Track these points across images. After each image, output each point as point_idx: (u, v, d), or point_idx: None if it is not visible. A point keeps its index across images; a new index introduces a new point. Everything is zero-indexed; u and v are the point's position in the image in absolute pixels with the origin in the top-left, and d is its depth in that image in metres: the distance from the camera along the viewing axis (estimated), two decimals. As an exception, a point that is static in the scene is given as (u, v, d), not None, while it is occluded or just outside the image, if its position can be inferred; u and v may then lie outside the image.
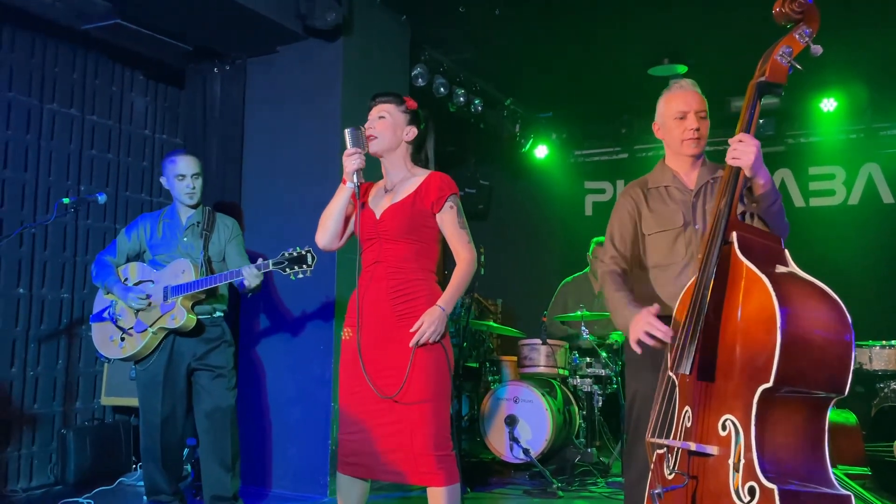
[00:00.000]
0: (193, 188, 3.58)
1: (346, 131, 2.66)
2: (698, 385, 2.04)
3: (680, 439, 2.06)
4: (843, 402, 4.68)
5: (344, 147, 2.68)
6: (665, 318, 2.23)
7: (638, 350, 2.28)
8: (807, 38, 2.17)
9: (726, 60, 4.79)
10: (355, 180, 2.65)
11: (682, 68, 5.67)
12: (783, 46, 2.18)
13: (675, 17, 4.93)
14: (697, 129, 2.55)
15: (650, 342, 2.22)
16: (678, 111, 2.57)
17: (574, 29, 5.21)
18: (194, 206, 3.64)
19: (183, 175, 3.56)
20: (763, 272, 1.92)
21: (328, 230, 2.76)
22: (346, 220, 2.78)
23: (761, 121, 6.43)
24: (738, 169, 2.18)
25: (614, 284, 2.55)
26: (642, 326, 2.22)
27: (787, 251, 2.12)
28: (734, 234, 2.05)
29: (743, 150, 2.15)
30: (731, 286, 2.00)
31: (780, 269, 2.03)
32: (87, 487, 4.27)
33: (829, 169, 6.85)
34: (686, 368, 2.03)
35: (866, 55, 5.45)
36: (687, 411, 2.07)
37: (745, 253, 2.00)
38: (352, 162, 2.64)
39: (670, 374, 2.14)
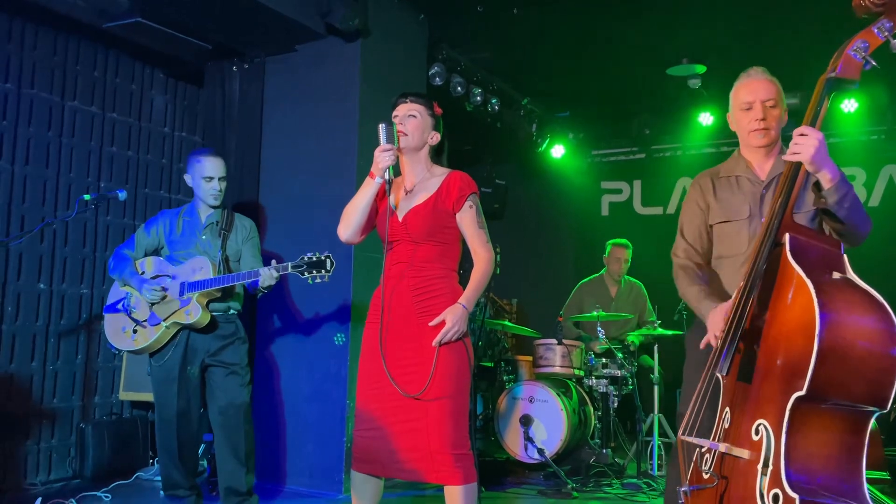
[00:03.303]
0: (219, 190, 3.62)
1: (381, 126, 2.65)
2: (738, 386, 2.02)
3: (719, 440, 2.02)
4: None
5: (371, 140, 2.68)
6: None
7: (702, 346, 2.22)
8: (886, 33, 2.04)
9: (746, 60, 4.74)
10: (386, 176, 2.66)
11: (701, 68, 5.63)
12: (859, 41, 2.06)
13: (693, 17, 4.89)
14: (763, 120, 2.43)
15: (716, 344, 2.15)
16: (744, 101, 2.46)
17: (592, 28, 5.18)
18: (216, 207, 3.66)
19: (210, 177, 3.59)
20: (811, 277, 1.85)
21: (351, 224, 2.76)
22: (370, 214, 2.77)
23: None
24: (799, 165, 2.09)
25: (688, 279, 2.48)
26: (716, 324, 2.17)
27: (845, 256, 2.03)
28: (786, 236, 1.98)
29: (804, 144, 2.05)
30: (778, 289, 1.95)
31: (835, 274, 1.95)
32: (105, 481, 4.32)
33: (849, 170, 6.77)
34: (724, 369, 2.01)
35: (887, 56, 5.38)
36: (727, 412, 2.04)
37: (796, 256, 1.94)
38: (385, 158, 2.64)
39: (716, 373, 2.09)
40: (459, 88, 5.50)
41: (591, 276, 5.99)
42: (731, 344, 2.00)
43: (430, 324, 2.57)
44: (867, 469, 4.08)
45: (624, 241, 5.92)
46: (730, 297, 2.25)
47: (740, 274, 2.20)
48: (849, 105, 6.23)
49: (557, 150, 7.45)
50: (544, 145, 7.25)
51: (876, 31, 2.06)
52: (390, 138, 2.65)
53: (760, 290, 2.01)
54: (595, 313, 5.12)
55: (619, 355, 5.06)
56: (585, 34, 5.29)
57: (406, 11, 4.83)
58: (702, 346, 2.23)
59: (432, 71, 5.20)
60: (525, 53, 5.68)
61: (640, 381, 5.17)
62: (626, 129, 7.23)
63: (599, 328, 5.10)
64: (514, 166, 7.90)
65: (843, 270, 1.99)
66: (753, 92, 2.45)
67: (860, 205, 2.22)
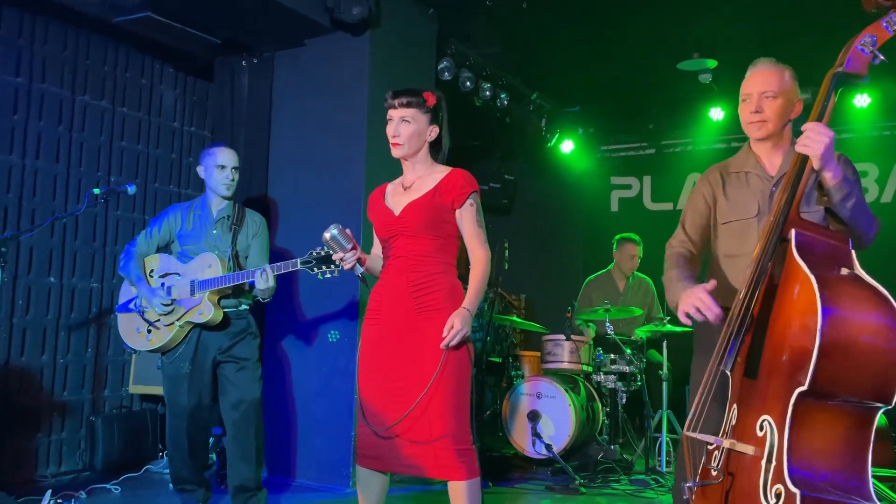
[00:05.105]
0: (232, 180, 3.60)
1: (328, 242, 2.65)
2: (744, 382, 2.01)
3: (727, 436, 2.01)
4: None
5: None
6: (727, 309, 2.16)
7: (686, 322, 2.21)
8: (895, 27, 2.02)
9: (757, 54, 4.71)
10: (358, 273, 2.70)
11: (712, 63, 5.60)
12: (867, 35, 2.04)
13: (704, 11, 4.86)
14: (757, 112, 2.39)
15: (699, 317, 2.15)
16: (743, 94, 2.44)
17: (602, 22, 5.16)
18: (228, 199, 3.66)
19: (223, 166, 3.58)
20: (815, 273, 1.84)
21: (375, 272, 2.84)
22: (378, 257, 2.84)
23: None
24: (805, 160, 2.07)
25: (674, 263, 2.47)
26: (693, 301, 2.15)
27: (853, 252, 2.01)
28: (792, 232, 1.96)
29: (813, 139, 2.04)
30: (783, 285, 1.94)
31: (843, 270, 1.94)
32: (115, 474, 4.34)
33: (861, 166, 6.70)
34: (728, 366, 2.00)
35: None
36: (734, 408, 2.03)
37: (802, 252, 1.92)
38: (347, 266, 2.68)
39: (723, 369, 2.08)
40: (468, 83, 5.48)
41: (599, 272, 5.98)
42: (737, 339, 1.99)
43: (443, 345, 2.54)
44: (877, 467, 4.04)
45: (633, 235, 5.90)
46: (738, 294, 2.23)
47: (750, 270, 2.19)
48: (861, 100, 6.18)
49: (567, 146, 7.42)
50: (553, 140, 7.22)
51: (885, 25, 2.03)
52: (341, 246, 2.66)
53: (767, 285, 1.99)
54: (604, 310, 5.12)
55: (628, 351, 5.05)
56: (595, 28, 5.26)
57: (414, 6, 4.82)
58: (683, 320, 2.20)
59: (441, 66, 5.19)
60: (534, 48, 5.65)
61: (649, 378, 5.16)
62: (636, 124, 7.19)
63: (608, 324, 5.10)
64: (522, 161, 7.88)
65: (850, 266, 1.97)
66: (752, 84, 2.43)
67: (866, 207, 2.20)
